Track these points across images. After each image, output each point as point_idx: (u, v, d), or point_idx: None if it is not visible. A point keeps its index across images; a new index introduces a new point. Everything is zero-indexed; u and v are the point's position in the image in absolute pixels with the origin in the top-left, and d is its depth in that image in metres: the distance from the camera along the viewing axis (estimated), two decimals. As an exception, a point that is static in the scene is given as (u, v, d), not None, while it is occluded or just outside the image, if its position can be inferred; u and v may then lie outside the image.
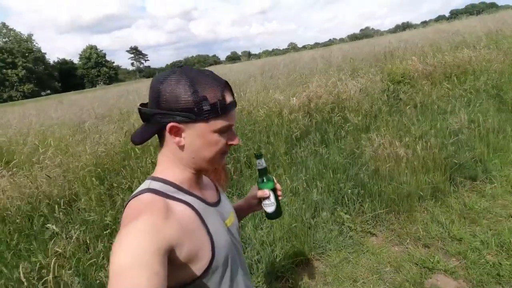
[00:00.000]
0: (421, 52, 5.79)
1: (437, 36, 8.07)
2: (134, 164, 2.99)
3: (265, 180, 0.88)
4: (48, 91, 55.10)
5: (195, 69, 0.66)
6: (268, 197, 0.87)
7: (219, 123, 0.64)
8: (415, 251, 2.11)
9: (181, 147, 0.66)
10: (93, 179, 2.81)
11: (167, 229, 0.56)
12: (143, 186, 0.66)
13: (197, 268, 0.63)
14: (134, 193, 0.65)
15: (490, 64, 4.92)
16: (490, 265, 1.87)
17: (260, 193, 0.87)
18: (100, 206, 2.59)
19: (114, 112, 5.84)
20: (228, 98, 0.65)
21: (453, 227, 2.24)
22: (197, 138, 0.64)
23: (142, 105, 0.67)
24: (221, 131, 0.65)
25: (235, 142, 0.69)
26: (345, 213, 2.46)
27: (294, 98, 3.95)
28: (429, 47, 6.27)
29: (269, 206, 0.88)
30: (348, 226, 2.38)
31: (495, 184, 2.67)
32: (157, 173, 0.69)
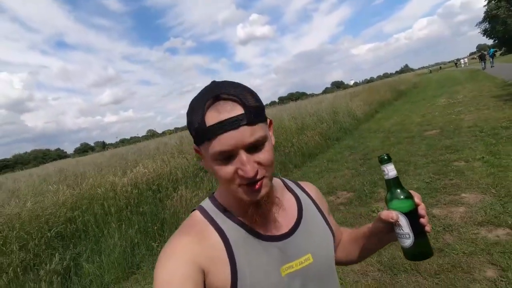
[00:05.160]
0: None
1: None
2: None
3: (393, 197, 0.59)
4: None
5: (212, 84, 0.56)
6: (398, 224, 0.57)
7: (209, 150, 0.52)
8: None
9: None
10: None
11: (198, 253, 0.55)
12: (202, 202, 0.67)
13: None
14: (197, 206, 0.66)
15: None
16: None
17: (384, 215, 0.60)
18: None
19: None
20: (213, 119, 0.51)
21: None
22: (206, 163, 0.58)
23: None
24: (217, 159, 0.52)
25: (243, 173, 0.51)
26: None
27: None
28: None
29: (402, 237, 0.58)
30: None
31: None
32: (216, 190, 0.67)
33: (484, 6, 48.29)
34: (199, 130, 0.52)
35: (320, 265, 0.63)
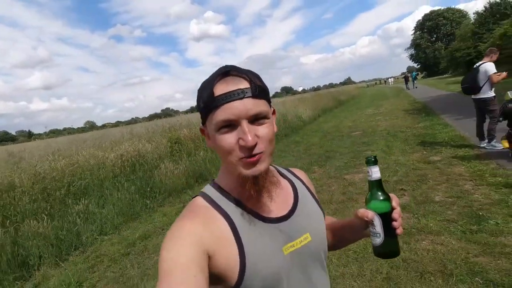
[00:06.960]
0: (190, 126, 9.66)
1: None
2: None
3: (372, 197, 0.65)
4: None
5: (223, 66, 0.60)
6: (372, 223, 0.63)
7: (214, 119, 0.56)
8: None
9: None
10: None
11: (203, 236, 0.56)
12: (203, 188, 0.68)
13: None
14: (198, 192, 0.67)
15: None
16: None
17: (360, 213, 0.65)
18: None
19: None
20: (221, 90, 0.56)
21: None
22: (210, 140, 0.61)
23: None
24: (219, 128, 0.56)
25: (244, 143, 0.54)
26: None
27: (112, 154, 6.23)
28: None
29: (374, 236, 0.64)
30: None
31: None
32: (217, 176, 0.69)
33: (412, 34, 56.47)
34: (208, 100, 0.56)
35: (318, 242, 0.67)
